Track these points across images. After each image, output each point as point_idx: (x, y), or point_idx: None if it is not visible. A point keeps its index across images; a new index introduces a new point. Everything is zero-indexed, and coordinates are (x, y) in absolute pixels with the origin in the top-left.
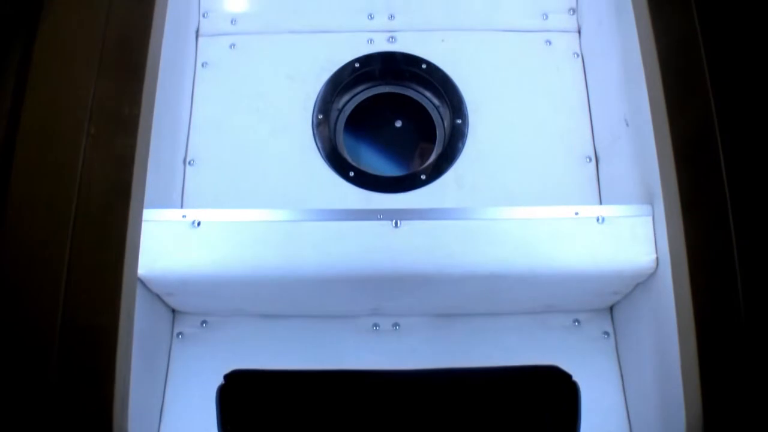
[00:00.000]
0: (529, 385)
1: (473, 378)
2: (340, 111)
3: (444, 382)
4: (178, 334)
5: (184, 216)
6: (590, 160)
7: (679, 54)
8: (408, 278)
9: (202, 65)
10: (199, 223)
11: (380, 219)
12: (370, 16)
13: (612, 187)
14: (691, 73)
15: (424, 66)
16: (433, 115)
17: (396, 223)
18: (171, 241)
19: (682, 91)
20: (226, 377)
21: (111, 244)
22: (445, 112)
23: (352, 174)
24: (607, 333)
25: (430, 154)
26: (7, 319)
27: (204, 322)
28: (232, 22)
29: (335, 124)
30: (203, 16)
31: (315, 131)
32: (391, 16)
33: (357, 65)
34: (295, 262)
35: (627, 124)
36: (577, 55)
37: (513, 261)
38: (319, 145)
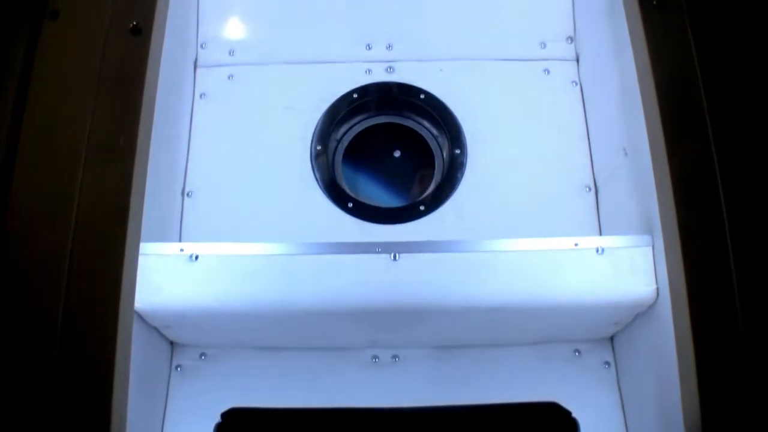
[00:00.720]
0: (529, 422)
1: (473, 415)
2: (339, 142)
3: (443, 419)
4: (177, 366)
5: (181, 250)
6: (590, 189)
7: (677, 84)
8: (407, 311)
9: (201, 96)
10: (197, 257)
11: (378, 252)
12: (368, 47)
13: (612, 217)
14: (689, 104)
15: (422, 96)
16: (431, 146)
17: (394, 256)
18: (169, 274)
19: (680, 122)
20: (224, 415)
21: (107, 278)
22: (444, 143)
23: (350, 205)
24: (607, 363)
25: (429, 184)
26: (4, 351)
27: (203, 354)
28: (230, 53)
29: (334, 154)
30: (201, 47)
31: (313, 162)
32: (389, 47)
33: (355, 96)
34: (294, 295)
35: (626, 154)
36: (576, 84)
37: (513, 293)
38: (317, 176)
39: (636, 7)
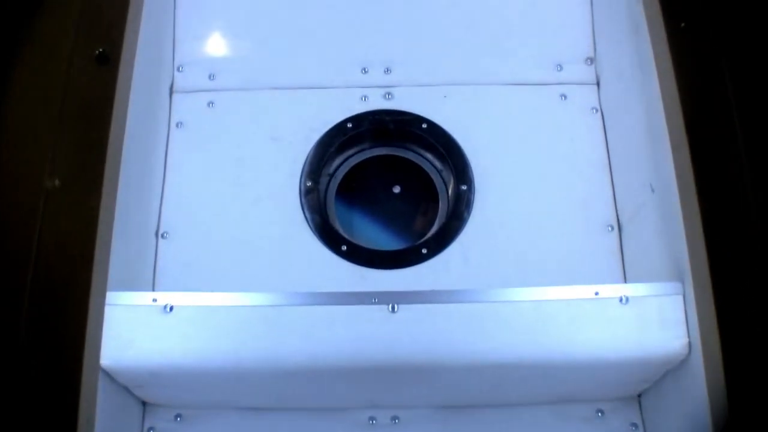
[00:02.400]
0: None
1: None
2: (331, 177)
3: None
4: (150, 429)
5: (154, 300)
6: (612, 229)
7: (708, 114)
8: (408, 369)
9: (177, 125)
10: (171, 308)
11: (375, 303)
12: (364, 70)
13: (637, 261)
14: (721, 136)
15: (424, 125)
16: (435, 181)
17: (393, 308)
18: (140, 327)
19: (711, 155)
20: None
21: (70, 331)
22: (449, 177)
23: (344, 248)
24: (635, 425)
25: (432, 224)
26: None
27: (178, 416)
28: (210, 77)
29: (325, 191)
30: (178, 70)
31: (303, 200)
32: (388, 70)
33: (350, 125)
34: (280, 351)
35: (652, 190)
36: (596, 110)
37: (526, 348)
38: (307, 215)
39: (661, 28)
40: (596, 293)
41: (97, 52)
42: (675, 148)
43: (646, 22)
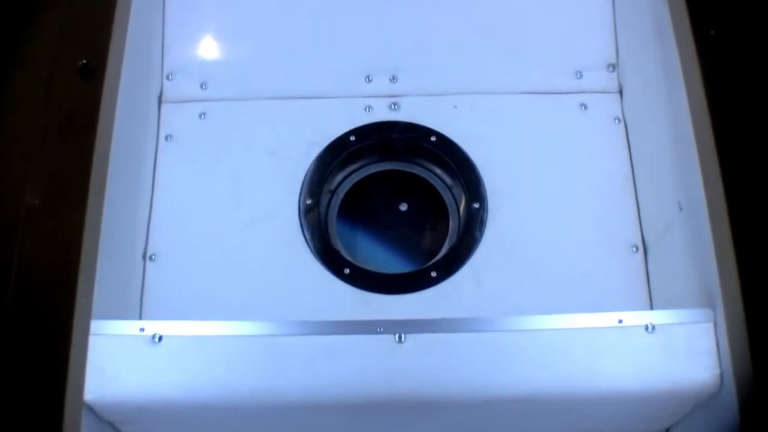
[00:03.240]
0: None
1: None
2: (333, 194)
3: None
4: None
5: (142, 329)
6: (637, 250)
7: (739, 127)
8: (416, 404)
9: (166, 138)
10: (160, 338)
11: (380, 332)
12: (368, 79)
13: (664, 285)
14: (753, 151)
15: (433, 138)
16: (445, 198)
17: (399, 338)
18: (126, 359)
19: (743, 173)
20: None
21: (51, 363)
22: (460, 194)
23: (347, 271)
24: None
25: (442, 245)
26: None
27: None
28: (202, 86)
29: (327, 209)
30: (167, 78)
31: (302, 219)
32: (394, 78)
33: (353, 138)
34: (278, 385)
35: (680, 208)
36: (619, 121)
37: (545, 380)
38: (307, 235)
39: (689, 34)
40: (620, 321)
41: (80, 63)
42: (703, 164)
43: (673, 28)
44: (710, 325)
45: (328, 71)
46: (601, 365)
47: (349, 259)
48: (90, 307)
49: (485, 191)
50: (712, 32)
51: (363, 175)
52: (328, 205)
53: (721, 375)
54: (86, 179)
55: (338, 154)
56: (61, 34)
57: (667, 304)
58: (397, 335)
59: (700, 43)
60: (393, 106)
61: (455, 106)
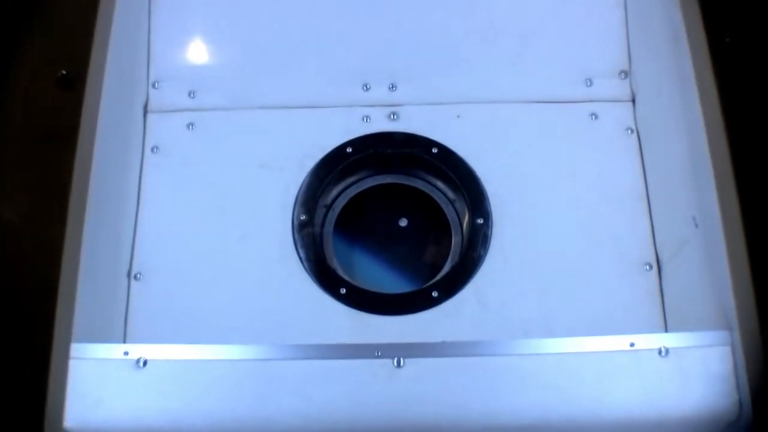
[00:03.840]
0: None
1: None
2: (329, 209)
3: None
4: None
5: (126, 353)
6: (650, 268)
7: (756, 139)
8: None
9: (152, 150)
10: (145, 362)
11: (378, 357)
12: (366, 87)
13: (679, 306)
14: None
15: (434, 150)
16: (447, 213)
17: (398, 362)
18: (109, 384)
19: (760, 187)
20: None
21: (29, 389)
22: (463, 209)
23: (343, 291)
24: None
25: (444, 263)
26: None
27: None
28: (190, 94)
29: (322, 225)
30: (153, 86)
31: (296, 235)
32: (393, 87)
33: (349, 150)
34: (270, 412)
35: (696, 224)
36: (631, 132)
37: (552, 408)
38: (301, 253)
39: (703, 41)
40: (632, 344)
41: (59, 73)
42: (718, 177)
43: (686, 34)
44: (728, 349)
45: (324, 79)
46: (611, 391)
47: (346, 278)
48: (70, 328)
49: (489, 206)
50: (727, 39)
51: (360, 189)
52: (323, 221)
53: (740, 402)
54: (66, 193)
55: (334, 166)
56: (39, 42)
57: (682, 326)
58: (395, 359)
59: (714, 51)
60: (392, 116)
61: (458, 116)
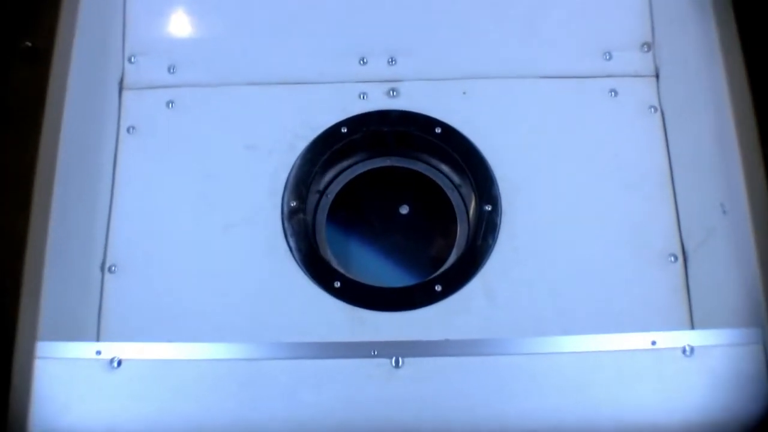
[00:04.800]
0: None
1: None
2: (322, 195)
3: None
4: None
5: (98, 352)
6: (675, 259)
7: None
8: None
9: (128, 130)
10: (120, 363)
11: (375, 356)
12: (363, 61)
13: (707, 301)
14: None
15: (438, 129)
16: (452, 199)
17: (397, 362)
18: (79, 387)
19: None
20: None
21: None
22: (469, 195)
23: (337, 284)
24: None
25: (448, 254)
26: None
27: None
28: (169, 69)
29: (314, 213)
30: (129, 61)
31: (286, 223)
32: (392, 60)
33: (344, 130)
34: (256, 416)
35: (724, 211)
36: (655, 110)
37: (567, 412)
38: (291, 243)
39: (729, 9)
40: (653, 342)
41: (23, 45)
42: (745, 160)
43: (714, 2)
44: (758, 347)
45: (316, 52)
46: (631, 394)
47: (340, 270)
48: (36, 326)
49: (498, 191)
50: (754, 7)
51: (356, 173)
52: (315, 208)
53: None
54: (31, 178)
55: (328, 148)
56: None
57: (709, 323)
58: (393, 359)
59: (741, 20)
60: (391, 93)
61: (464, 93)
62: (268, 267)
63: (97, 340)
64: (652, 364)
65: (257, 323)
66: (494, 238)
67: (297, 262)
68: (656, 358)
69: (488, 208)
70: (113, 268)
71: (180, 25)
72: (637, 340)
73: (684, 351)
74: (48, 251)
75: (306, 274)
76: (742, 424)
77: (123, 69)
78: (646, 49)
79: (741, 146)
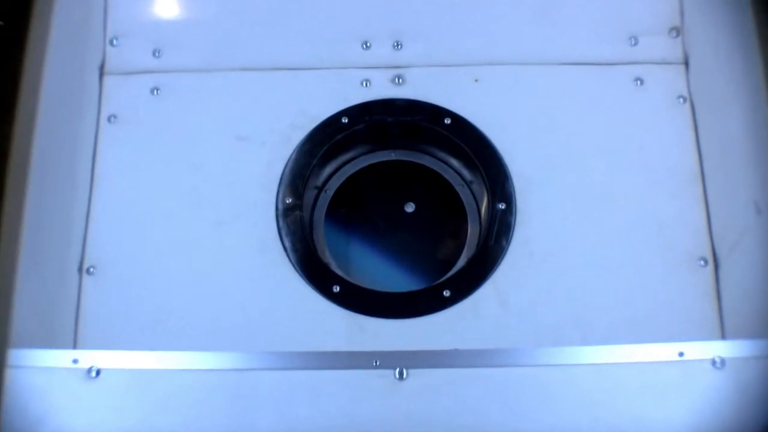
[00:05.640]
0: None
1: None
2: (320, 191)
3: None
4: None
5: (75, 361)
6: (705, 263)
7: None
8: None
9: (109, 120)
10: (99, 372)
11: (377, 367)
12: (366, 45)
13: (738, 308)
14: None
15: (447, 120)
16: (462, 197)
17: (401, 373)
18: (55, 398)
19: None
20: None
21: None
22: (481, 192)
23: (336, 289)
24: None
25: (458, 256)
26: None
27: None
28: (155, 53)
29: (312, 210)
30: (111, 44)
31: (281, 222)
32: (398, 45)
33: (345, 120)
34: (247, 431)
35: (759, 211)
36: (684, 100)
37: (584, 429)
38: (286, 243)
39: None
40: (681, 354)
41: None
42: None
43: None
44: None
45: (314, 35)
46: (656, 409)
47: (340, 273)
48: (8, 332)
49: (513, 188)
50: None
51: (358, 168)
52: (313, 205)
53: None
54: (3, 171)
55: (327, 140)
56: None
57: (742, 333)
58: (397, 370)
59: None
60: (397, 80)
61: (476, 80)
62: (261, 269)
63: (75, 347)
64: (679, 377)
65: (248, 330)
66: (508, 240)
67: (292, 264)
68: (684, 370)
69: (502, 206)
70: (92, 269)
71: (167, 4)
72: (664, 351)
73: (714, 363)
74: (21, 251)
75: (302, 277)
76: None
77: (104, 52)
78: (674, 34)
79: None
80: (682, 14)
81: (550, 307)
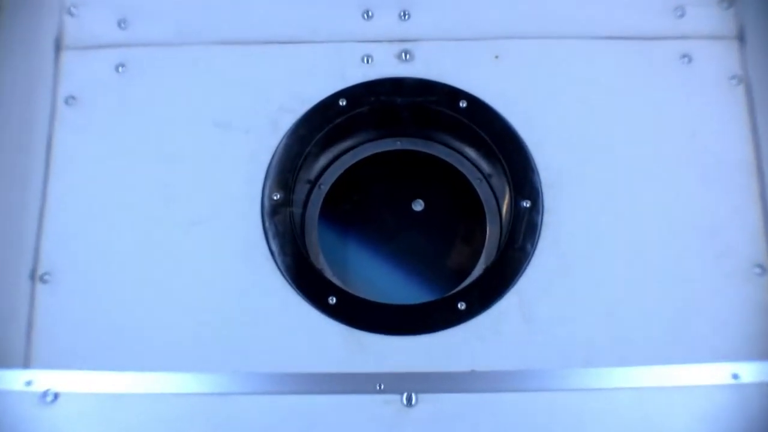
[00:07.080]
0: None
1: None
2: (314, 185)
3: None
4: None
5: (28, 383)
6: (762, 271)
7: None
8: None
9: (66, 101)
10: (56, 396)
11: (381, 391)
12: (367, 15)
13: None
14: None
15: (463, 103)
16: (480, 193)
17: (409, 399)
18: (5, 427)
19: None
20: None
21: None
22: (502, 187)
23: (332, 300)
24: None
25: (475, 263)
26: None
27: None
28: (119, 24)
29: (304, 208)
30: (69, 13)
31: (267, 222)
32: (404, 15)
33: (343, 103)
34: None
35: None
36: (738, 81)
37: None
38: (273, 246)
39: None
40: (735, 375)
41: None
42: None
43: None
44: None
45: (307, 2)
46: None
47: (336, 282)
48: None
49: (539, 183)
50: None
51: (358, 159)
52: (305, 203)
53: None
54: None
55: (322, 126)
56: None
57: None
58: (405, 395)
59: None
60: (403, 56)
61: (496, 57)
62: (244, 276)
63: (27, 367)
64: (733, 402)
65: (230, 348)
66: (533, 243)
67: (281, 271)
68: (738, 394)
69: (526, 204)
70: (46, 276)
71: None
72: (715, 373)
73: None
74: None
75: (292, 286)
76: None
77: (60, 23)
78: (726, 5)
79: None
80: None
81: (583, 322)
